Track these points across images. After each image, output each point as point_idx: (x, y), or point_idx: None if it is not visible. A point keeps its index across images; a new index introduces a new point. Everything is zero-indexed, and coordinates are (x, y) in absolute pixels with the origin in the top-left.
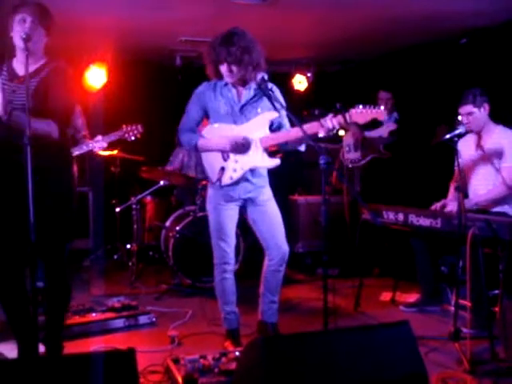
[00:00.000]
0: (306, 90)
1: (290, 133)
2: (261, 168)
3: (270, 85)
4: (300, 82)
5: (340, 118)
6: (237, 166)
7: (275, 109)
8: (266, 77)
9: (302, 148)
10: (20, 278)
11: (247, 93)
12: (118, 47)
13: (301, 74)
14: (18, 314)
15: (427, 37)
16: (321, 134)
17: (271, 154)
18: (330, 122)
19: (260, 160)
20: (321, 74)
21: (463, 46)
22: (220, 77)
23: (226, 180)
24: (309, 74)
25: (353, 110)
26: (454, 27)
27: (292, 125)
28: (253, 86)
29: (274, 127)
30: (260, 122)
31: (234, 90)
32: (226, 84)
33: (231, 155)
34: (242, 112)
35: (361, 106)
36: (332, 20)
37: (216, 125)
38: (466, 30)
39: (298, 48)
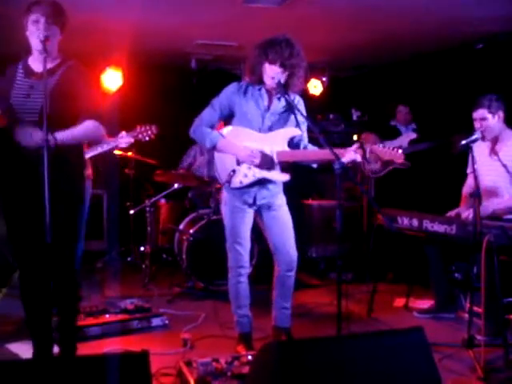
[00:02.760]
0: (321, 94)
1: (308, 153)
2: (271, 179)
3: (293, 96)
4: (315, 87)
5: (360, 152)
6: (249, 172)
7: (298, 125)
8: (282, 79)
9: (315, 165)
10: (41, 277)
11: (277, 103)
12: (133, 50)
13: (316, 78)
14: (37, 314)
15: (443, 42)
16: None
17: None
18: (354, 153)
19: (273, 173)
20: (335, 79)
21: (479, 51)
22: (257, 81)
23: (235, 183)
24: (324, 79)
25: (374, 147)
26: (469, 32)
27: (309, 134)
28: (282, 97)
29: (295, 141)
30: (281, 136)
31: (265, 97)
32: (260, 89)
33: None
34: (267, 121)
35: (381, 145)
36: (347, 25)
37: (239, 128)
38: (482, 35)
39: (313, 52)
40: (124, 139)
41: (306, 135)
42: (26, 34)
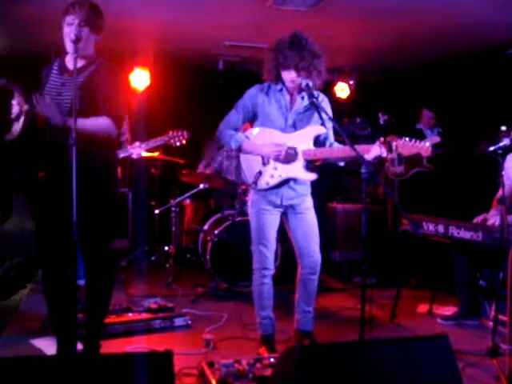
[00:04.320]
0: (348, 97)
1: (333, 151)
2: (298, 179)
3: (317, 93)
4: (342, 90)
5: (386, 147)
6: (275, 172)
7: (323, 123)
8: (310, 84)
9: (342, 164)
10: (65, 274)
11: (300, 102)
12: (160, 51)
13: (343, 81)
14: (61, 310)
15: (472, 46)
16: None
17: (310, 165)
18: (379, 148)
19: (299, 172)
20: (362, 83)
21: (509, 56)
22: (277, 81)
23: (261, 184)
24: (351, 82)
25: (399, 141)
26: (500, 37)
27: (336, 138)
28: (305, 95)
29: (321, 139)
30: (306, 135)
31: (287, 97)
32: (281, 89)
33: (271, 161)
34: (291, 120)
35: (407, 139)
36: (376, 28)
37: (263, 129)
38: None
39: (341, 55)
40: (136, 150)
41: (331, 133)
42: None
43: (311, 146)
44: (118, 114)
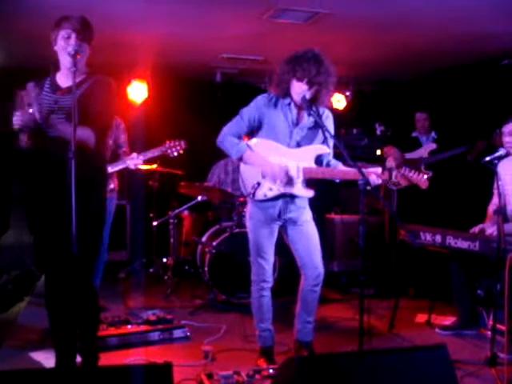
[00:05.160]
0: (345, 108)
1: (335, 172)
2: (296, 195)
3: (322, 110)
4: (339, 101)
5: (385, 176)
6: (274, 186)
7: (326, 140)
8: (307, 95)
9: (337, 180)
10: (65, 287)
11: (307, 118)
12: (158, 63)
13: (339, 92)
14: (61, 323)
15: (468, 58)
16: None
17: (309, 182)
18: (376, 178)
19: (298, 188)
20: (359, 94)
21: (504, 67)
22: (285, 95)
23: (259, 195)
24: (347, 93)
25: (399, 172)
26: (495, 48)
27: (336, 156)
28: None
29: (321, 158)
30: (309, 153)
31: (294, 112)
32: (289, 104)
33: None
34: (296, 135)
35: (407, 169)
36: (372, 40)
37: (267, 141)
38: (508, 51)
39: (337, 67)
40: (134, 161)
41: (331, 151)
42: (54, 49)
43: (312, 164)
44: (100, 125)
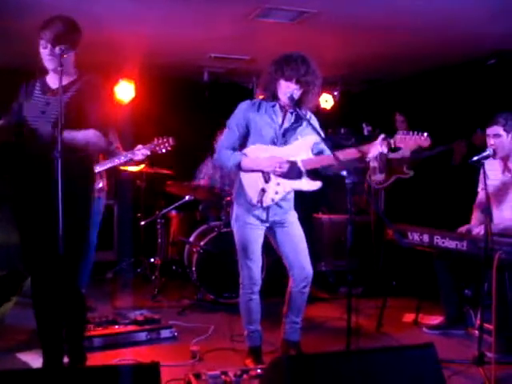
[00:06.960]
0: (332, 108)
1: (335, 155)
2: (302, 190)
3: (305, 112)
4: (326, 101)
5: (386, 143)
6: (279, 188)
7: (315, 130)
8: (295, 95)
9: (344, 173)
10: (52, 288)
11: (291, 118)
12: (146, 63)
13: (327, 92)
14: (48, 323)
15: (456, 58)
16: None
17: (312, 174)
18: (379, 146)
19: (302, 182)
20: (347, 94)
21: (490, 67)
22: (270, 97)
23: (267, 202)
24: (335, 93)
25: (397, 136)
26: (483, 48)
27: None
28: (292, 111)
29: (315, 153)
30: (302, 145)
31: (279, 113)
32: (274, 106)
33: (272, 177)
34: (283, 135)
35: (405, 132)
36: (359, 40)
37: (258, 145)
38: (494, 51)
39: (325, 67)
40: (140, 151)
41: (326, 147)
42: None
43: (310, 155)
44: (105, 125)
